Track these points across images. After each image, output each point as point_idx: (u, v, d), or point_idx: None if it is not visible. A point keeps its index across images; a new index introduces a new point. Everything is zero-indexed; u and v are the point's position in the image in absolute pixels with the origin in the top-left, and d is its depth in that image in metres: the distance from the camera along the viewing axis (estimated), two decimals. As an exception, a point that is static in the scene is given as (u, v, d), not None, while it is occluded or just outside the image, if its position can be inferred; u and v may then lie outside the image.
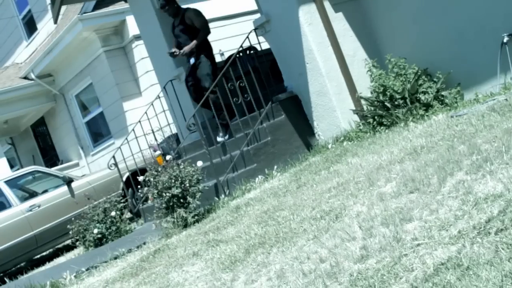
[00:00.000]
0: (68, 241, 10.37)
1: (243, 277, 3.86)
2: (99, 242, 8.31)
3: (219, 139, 8.20)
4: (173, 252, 5.30)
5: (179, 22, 8.54)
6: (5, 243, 9.48)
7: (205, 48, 8.50)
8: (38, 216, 9.81)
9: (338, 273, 3.17)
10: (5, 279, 9.17)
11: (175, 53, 8.42)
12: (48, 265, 9.28)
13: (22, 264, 10.60)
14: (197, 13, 8.56)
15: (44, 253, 10.94)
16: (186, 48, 8.35)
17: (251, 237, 4.56)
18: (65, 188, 10.21)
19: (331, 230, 3.89)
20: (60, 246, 10.86)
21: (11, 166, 16.04)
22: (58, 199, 10.08)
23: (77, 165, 15.17)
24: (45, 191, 10.48)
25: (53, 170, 11.11)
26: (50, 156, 16.78)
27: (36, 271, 8.95)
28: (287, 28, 7.82)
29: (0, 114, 15.42)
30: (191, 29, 8.43)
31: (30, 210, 9.81)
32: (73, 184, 10.25)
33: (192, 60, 8.50)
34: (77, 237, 8.70)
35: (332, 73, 7.64)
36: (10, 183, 10.16)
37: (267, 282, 3.58)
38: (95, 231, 8.27)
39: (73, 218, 8.84)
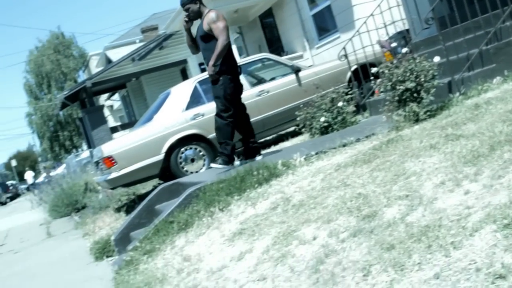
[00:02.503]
0: (291, 128, 10.77)
1: (487, 172, 3.77)
2: (325, 130, 8.51)
3: (212, 164, 7.68)
4: (408, 143, 5.27)
5: (200, 26, 7.49)
6: (235, 124, 10.04)
7: (223, 62, 7.30)
8: (266, 101, 10.23)
9: None
10: (234, 157, 9.80)
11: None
12: (273, 148, 9.73)
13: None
14: (217, 16, 7.25)
15: (267, 138, 11.45)
16: (209, 70, 7.28)
17: (496, 134, 4.39)
18: (292, 76, 10.48)
19: None
20: (283, 132, 11.30)
21: (239, 55, 16.73)
22: (285, 86, 10.40)
23: (300, 57, 15.43)
24: (272, 79, 10.83)
25: (282, 58, 11.40)
26: (276, 47, 17.23)
27: (263, 152, 9.42)
28: None
29: (231, 3, 16.01)
30: (209, 37, 7.33)
31: (259, 95, 10.24)
32: (300, 74, 10.49)
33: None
34: (303, 124, 8.98)
35: None
36: (242, 68, 10.58)
37: (517, 179, 3.45)
38: (322, 119, 8.47)
39: (301, 106, 9.11)
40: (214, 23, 7.17)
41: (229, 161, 7.48)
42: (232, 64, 7.46)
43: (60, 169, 39.75)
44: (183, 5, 7.44)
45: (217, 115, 7.45)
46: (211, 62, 7.14)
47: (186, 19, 7.44)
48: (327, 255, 3.71)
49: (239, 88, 7.63)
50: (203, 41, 7.40)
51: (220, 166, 7.43)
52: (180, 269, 5.04)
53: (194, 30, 7.57)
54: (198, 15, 7.44)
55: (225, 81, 7.34)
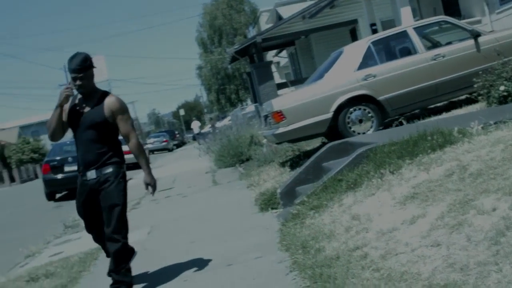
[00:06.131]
0: (464, 96, 10.37)
1: None
2: (504, 100, 8.09)
3: None
4: None
5: (91, 108, 5.46)
6: (406, 88, 9.81)
7: (118, 155, 5.59)
8: (441, 66, 9.87)
9: None
10: (403, 121, 9.63)
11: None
12: (444, 115, 9.43)
13: (416, 111, 10.94)
14: (125, 105, 5.59)
15: (438, 104, 11.10)
16: (151, 188, 5.63)
17: None
18: (471, 41, 10.02)
19: None
20: (454, 99, 10.91)
21: (413, 17, 16.25)
22: (463, 51, 9.97)
23: (479, 22, 14.73)
24: (449, 43, 10.44)
25: (461, 22, 10.92)
26: (452, 11, 16.55)
27: (434, 118, 9.16)
28: None
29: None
30: (106, 126, 5.45)
31: (434, 59, 9.91)
32: (480, 39, 10.00)
33: (91, 174, 5.47)
34: (481, 92, 8.60)
35: None
36: (418, 30, 10.31)
37: None
38: (501, 88, 8.05)
39: (479, 72, 8.73)
40: (123, 113, 5.49)
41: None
42: (124, 161, 5.67)
43: (225, 122, 41.13)
44: (81, 69, 5.32)
45: (112, 237, 5.42)
46: (149, 177, 5.59)
47: (74, 86, 5.41)
48: (509, 228, 3.57)
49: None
50: (93, 129, 5.42)
51: None
52: (349, 227, 5.07)
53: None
54: (90, 89, 5.49)
55: (123, 183, 5.54)
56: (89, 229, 5.76)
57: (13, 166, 60.71)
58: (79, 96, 5.49)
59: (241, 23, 59.15)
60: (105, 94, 5.54)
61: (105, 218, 5.41)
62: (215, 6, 59.95)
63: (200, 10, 65.60)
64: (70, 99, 5.46)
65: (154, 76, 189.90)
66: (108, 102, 5.43)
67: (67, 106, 5.47)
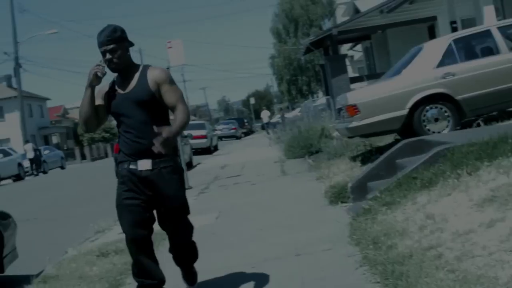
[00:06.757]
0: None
1: None
2: None
3: None
4: None
5: (133, 86, 4.65)
6: (486, 88, 9.55)
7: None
8: (525, 68, 9.60)
9: None
10: (480, 123, 9.41)
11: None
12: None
13: (494, 113, 10.67)
14: (171, 76, 4.78)
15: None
16: (163, 145, 4.33)
17: None
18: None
19: None
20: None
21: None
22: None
23: None
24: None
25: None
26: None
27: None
28: None
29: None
30: (152, 103, 4.64)
31: (518, 61, 9.64)
32: None
33: (145, 164, 4.62)
34: None
35: None
36: (502, 30, 10.02)
37: None
38: None
39: None
40: (170, 84, 4.68)
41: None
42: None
43: (294, 112, 41.18)
44: (111, 40, 4.54)
45: (181, 243, 5.12)
46: (170, 133, 4.41)
47: (105, 63, 4.61)
48: None
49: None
50: (141, 108, 4.62)
51: None
52: (422, 225, 5.00)
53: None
54: (126, 64, 4.67)
55: (181, 169, 4.94)
56: (132, 228, 4.76)
57: (84, 144, 62.37)
58: (115, 78, 4.78)
59: (317, 14, 58.81)
60: (146, 67, 4.77)
61: (169, 220, 4.91)
62: (293, -4, 59.85)
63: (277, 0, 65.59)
64: (106, 82, 4.75)
65: (226, 63, 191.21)
66: (152, 74, 4.65)
67: (102, 92, 4.76)
